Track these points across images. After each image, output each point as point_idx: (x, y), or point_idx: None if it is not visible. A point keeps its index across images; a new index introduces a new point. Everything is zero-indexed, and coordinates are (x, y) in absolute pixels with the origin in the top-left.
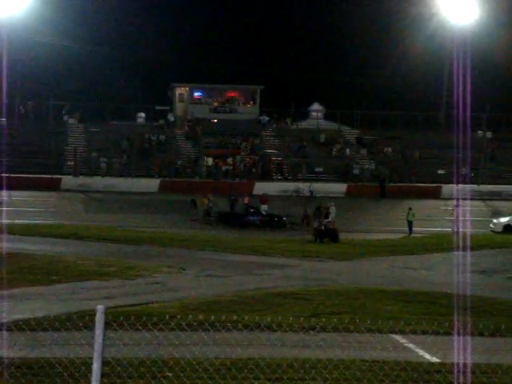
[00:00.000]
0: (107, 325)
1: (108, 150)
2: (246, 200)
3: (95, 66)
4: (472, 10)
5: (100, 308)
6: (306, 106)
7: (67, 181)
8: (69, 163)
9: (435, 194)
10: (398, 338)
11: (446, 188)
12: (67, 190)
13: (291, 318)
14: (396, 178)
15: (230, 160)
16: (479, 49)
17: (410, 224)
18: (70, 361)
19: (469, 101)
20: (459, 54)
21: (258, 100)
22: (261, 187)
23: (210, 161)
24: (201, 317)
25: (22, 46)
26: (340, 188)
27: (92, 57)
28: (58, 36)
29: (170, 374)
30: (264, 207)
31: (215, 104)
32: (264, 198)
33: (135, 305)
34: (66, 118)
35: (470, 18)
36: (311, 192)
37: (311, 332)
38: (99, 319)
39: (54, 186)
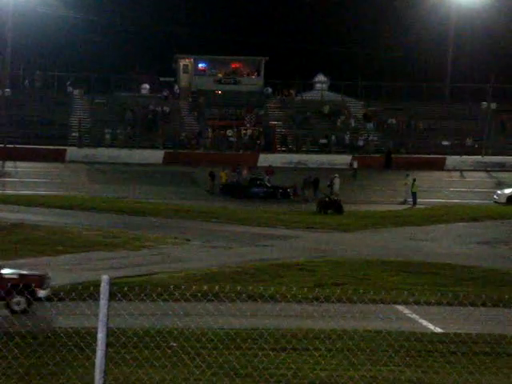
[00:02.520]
0: (112, 295)
1: (112, 122)
2: (245, 172)
3: (99, 37)
4: None
5: (105, 278)
6: (311, 78)
7: (72, 152)
8: (73, 134)
9: (439, 165)
10: (402, 308)
11: (450, 159)
12: (72, 161)
13: (295, 289)
14: (401, 149)
15: (234, 131)
16: (483, 20)
17: (414, 195)
18: (75, 330)
19: (473, 72)
20: (464, 25)
21: (263, 71)
22: (265, 159)
23: (213, 132)
24: (205, 287)
25: (25, 16)
26: (345, 160)
27: (96, 28)
28: (61, 6)
29: (175, 344)
30: (267, 178)
31: (219, 75)
32: (270, 170)
33: (140, 275)
34: (70, 89)
35: None
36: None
37: (315, 302)
38: (104, 289)
39: (58, 157)
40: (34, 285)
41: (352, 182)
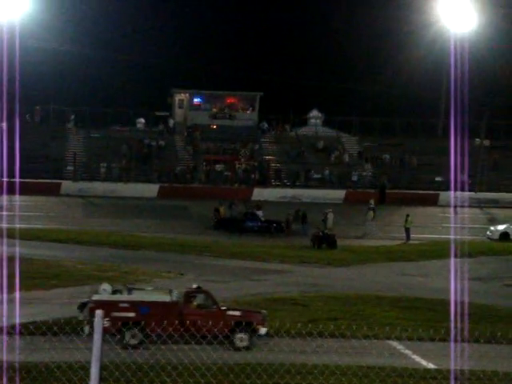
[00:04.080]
0: (106, 329)
1: (107, 155)
2: (240, 206)
3: (95, 71)
4: (471, 19)
5: (99, 313)
6: (305, 113)
7: (67, 185)
8: (68, 168)
9: (433, 201)
10: (395, 344)
11: (444, 195)
12: (67, 195)
13: (288, 324)
14: (394, 185)
15: (223, 166)
16: (478, 57)
17: (407, 231)
18: (69, 365)
19: (467, 108)
20: (458, 61)
21: (257, 106)
22: (259, 193)
23: (208, 167)
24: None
25: (21, 51)
26: (338, 194)
27: (92, 62)
28: (57, 41)
29: (168, 380)
30: (260, 213)
31: (214, 110)
32: (258, 206)
33: None
34: (71, 124)
35: (468, 26)
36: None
37: (308, 338)
38: (98, 324)
39: (53, 191)
40: (255, 322)
41: (371, 221)
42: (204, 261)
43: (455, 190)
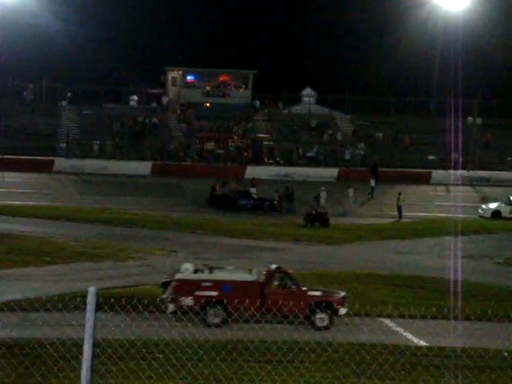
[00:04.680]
0: (98, 306)
1: (100, 133)
2: (233, 184)
3: (88, 49)
4: None
5: (91, 290)
6: (298, 91)
7: (60, 163)
8: (61, 145)
9: (425, 180)
10: (387, 321)
11: (436, 173)
12: (59, 172)
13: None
14: (387, 163)
15: (214, 144)
16: (470, 35)
17: (399, 209)
18: (61, 342)
19: (459, 87)
20: (451, 40)
21: (251, 84)
22: (252, 171)
23: (202, 145)
24: None
25: (15, 28)
26: (331, 173)
27: (85, 39)
28: (51, 19)
29: (161, 356)
30: (254, 190)
31: (208, 88)
32: (254, 182)
33: (127, 286)
34: (64, 103)
35: (461, 4)
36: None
37: (300, 315)
38: (90, 301)
39: (46, 168)
40: (335, 303)
41: (368, 199)
42: (197, 238)
43: (447, 168)
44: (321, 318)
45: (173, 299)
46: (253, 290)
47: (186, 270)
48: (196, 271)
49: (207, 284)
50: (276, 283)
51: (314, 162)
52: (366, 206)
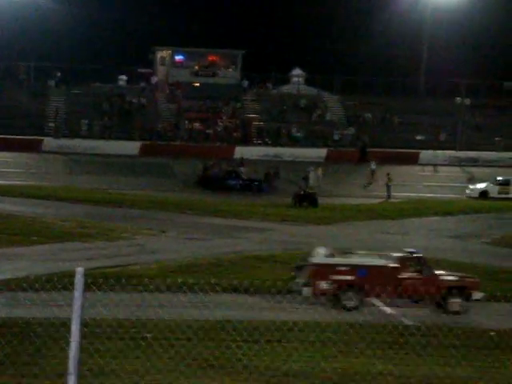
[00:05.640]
0: (87, 286)
1: (89, 112)
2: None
3: (77, 29)
4: None
5: (79, 270)
6: (287, 71)
7: (48, 142)
8: (50, 125)
9: (413, 160)
10: (374, 301)
11: (424, 154)
12: (48, 152)
13: (269, 281)
14: (375, 144)
15: (210, 124)
16: (459, 16)
17: (388, 189)
18: (50, 322)
19: (448, 68)
20: (439, 21)
21: (240, 64)
22: (241, 151)
23: (191, 124)
24: (179, 279)
25: (3, 8)
26: (320, 153)
27: (74, 18)
28: None
29: (149, 336)
30: (243, 170)
31: (197, 68)
32: (242, 162)
33: (115, 266)
34: (51, 82)
35: None
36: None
37: (288, 296)
38: (78, 281)
39: (34, 148)
40: (469, 287)
41: (369, 183)
42: (186, 218)
43: (435, 148)
44: (453, 302)
45: (308, 283)
46: (388, 275)
47: (319, 255)
48: (329, 256)
49: (343, 268)
50: (410, 268)
51: (302, 142)
52: (352, 186)
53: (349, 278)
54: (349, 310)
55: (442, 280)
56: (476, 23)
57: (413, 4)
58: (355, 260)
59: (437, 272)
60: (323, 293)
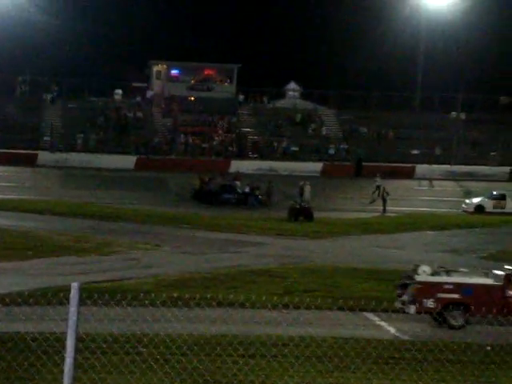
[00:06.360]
0: (82, 301)
1: (84, 126)
2: (218, 179)
3: (73, 43)
4: None
5: (75, 285)
6: (283, 85)
7: (43, 156)
8: (45, 139)
9: (409, 174)
10: (370, 315)
11: (420, 168)
12: (43, 166)
13: (264, 297)
14: (371, 158)
15: (206, 138)
16: (453, 31)
17: (384, 203)
18: (44, 337)
19: (443, 82)
20: (434, 35)
21: (235, 78)
22: (237, 165)
23: (186, 139)
24: (175, 294)
25: None
26: (316, 167)
27: (70, 33)
28: (35, 11)
29: (144, 350)
30: (239, 184)
31: (192, 82)
32: (238, 176)
33: (110, 281)
34: (49, 96)
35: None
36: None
37: (284, 310)
38: (74, 296)
39: (30, 162)
40: None
41: (373, 199)
42: (181, 232)
43: (431, 163)
44: None
45: (414, 300)
46: (494, 294)
47: (424, 273)
48: (433, 274)
49: (449, 286)
50: None
51: (299, 156)
52: (348, 200)
53: (455, 296)
54: (454, 328)
55: None
56: (471, 38)
57: (408, 18)
58: (459, 279)
59: None
60: (428, 311)
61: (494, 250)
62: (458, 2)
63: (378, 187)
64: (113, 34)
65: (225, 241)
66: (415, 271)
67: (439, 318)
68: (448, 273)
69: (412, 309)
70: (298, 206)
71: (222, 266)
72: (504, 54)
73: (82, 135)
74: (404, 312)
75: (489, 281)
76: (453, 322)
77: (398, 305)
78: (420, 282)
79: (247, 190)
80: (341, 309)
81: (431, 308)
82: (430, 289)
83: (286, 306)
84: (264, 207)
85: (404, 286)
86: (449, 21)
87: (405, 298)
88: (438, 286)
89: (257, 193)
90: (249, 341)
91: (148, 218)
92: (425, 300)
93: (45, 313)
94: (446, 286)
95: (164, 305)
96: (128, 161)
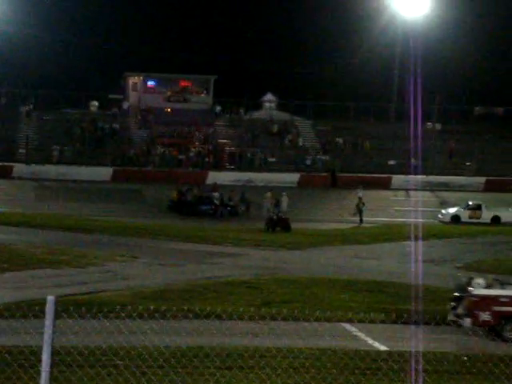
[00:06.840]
0: (57, 314)
1: (60, 138)
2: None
3: (48, 54)
4: (423, 4)
5: (50, 299)
6: (259, 97)
7: (19, 168)
8: (21, 151)
9: (385, 185)
10: (347, 326)
11: (396, 178)
12: (19, 178)
13: (242, 308)
14: (347, 169)
15: (182, 150)
16: (430, 42)
17: (360, 212)
18: (20, 350)
19: (419, 93)
20: (410, 46)
21: (212, 90)
22: (214, 177)
23: (162, 150)
24: (152, 306)
25: None
26: (292, 178)
27: (45, 45)
28: (10, 23)
29: (121, 363)
30: (217, 195)
31: (168, 93)
32: (215, 187)
33: (86, 293)
34: (26, 108)
35: (420, 11)
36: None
37: (261, 322)
38: (49, 310)
39: (5, 174)
40: None
41: (354, 213)
42: (158, 244)
43: (407, 173)
44: None
45: (469, 314)
46: None
47: (478, 285)
48: (487, 286)
49: (505, 300)
50: None
51: (275, 167)
52: (324, 211)
53: (511, 309)
54: (510, 341)
55: None
56: (447, 49)
57: (385, 29)
58: None
59: None
60: (483, 324)
61: (471, 260)
62: (434, 14)
63: (361, 198)
64: (89, 45)
65: (202, 252)
66: (469, 284)
67: (494, 331)
68: (503, 285)
69: (467, 322)
70: (275, 217)
71: (199, 278)
72: (479, 66)
73: (57, 147)
74: (458, 325)
75: None
76: (509, 335)
77: (451, 317)
78: (475, 295)
79: (215, 201)
80: (318, 319)
81: (487, 321)
82: (486, 302)
83: (263, 318)
84: (236, 217)
85: (458, 299)
86: (425, 32)
87: (460, 310)
88: (494, 300)
89: (230, 203)
90: (226, 352)
91: (124, 230)
92: (481, 313)
93: (20, 326)
94: (502, 299)
95: (141, 317)
96: (105, 172)
